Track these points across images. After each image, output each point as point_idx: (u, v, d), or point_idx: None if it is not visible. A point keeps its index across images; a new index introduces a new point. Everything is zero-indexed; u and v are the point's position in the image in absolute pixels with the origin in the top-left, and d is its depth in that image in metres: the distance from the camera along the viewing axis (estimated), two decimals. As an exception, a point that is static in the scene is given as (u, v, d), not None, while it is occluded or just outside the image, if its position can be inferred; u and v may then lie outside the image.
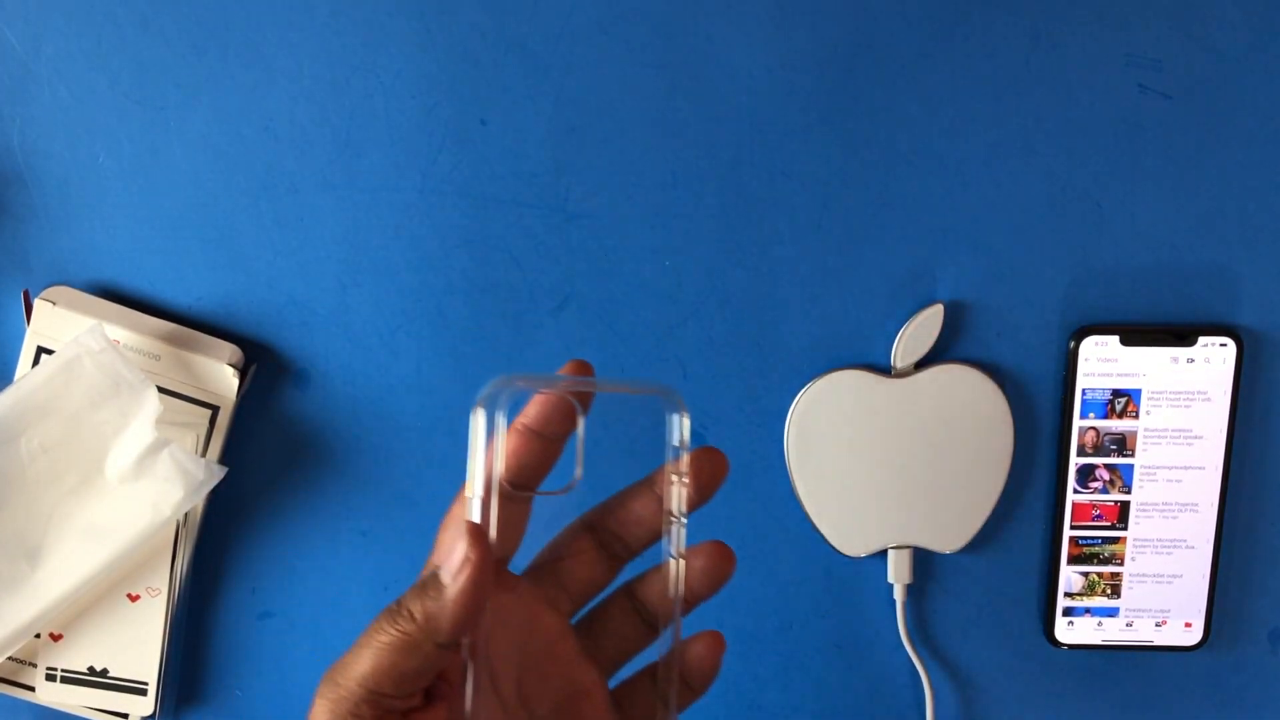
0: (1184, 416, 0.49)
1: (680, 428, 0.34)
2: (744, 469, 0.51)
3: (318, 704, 0.30)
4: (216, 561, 0.52)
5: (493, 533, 0.31)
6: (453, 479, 0.51)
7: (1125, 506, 0.50)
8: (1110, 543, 0.51)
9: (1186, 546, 0.51)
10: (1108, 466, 0.50)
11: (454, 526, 0.31)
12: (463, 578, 0.29)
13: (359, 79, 0.48)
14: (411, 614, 0.29)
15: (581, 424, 0.34)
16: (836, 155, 0.49)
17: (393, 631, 0.29)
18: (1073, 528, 0.50)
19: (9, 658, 0.49)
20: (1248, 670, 0.52)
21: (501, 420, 0.32)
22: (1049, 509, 0.51)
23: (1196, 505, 0.50)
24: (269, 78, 0.48)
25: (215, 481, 0.48)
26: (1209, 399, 0.49)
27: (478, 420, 0.32)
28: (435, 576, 0.29)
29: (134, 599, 0.49)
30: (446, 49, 0.48)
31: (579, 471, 0.38)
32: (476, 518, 0.31)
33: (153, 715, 0.50)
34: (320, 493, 0.52)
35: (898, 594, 0.51)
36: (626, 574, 0.35)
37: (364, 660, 0.29)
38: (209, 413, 0.49)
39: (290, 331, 0.50)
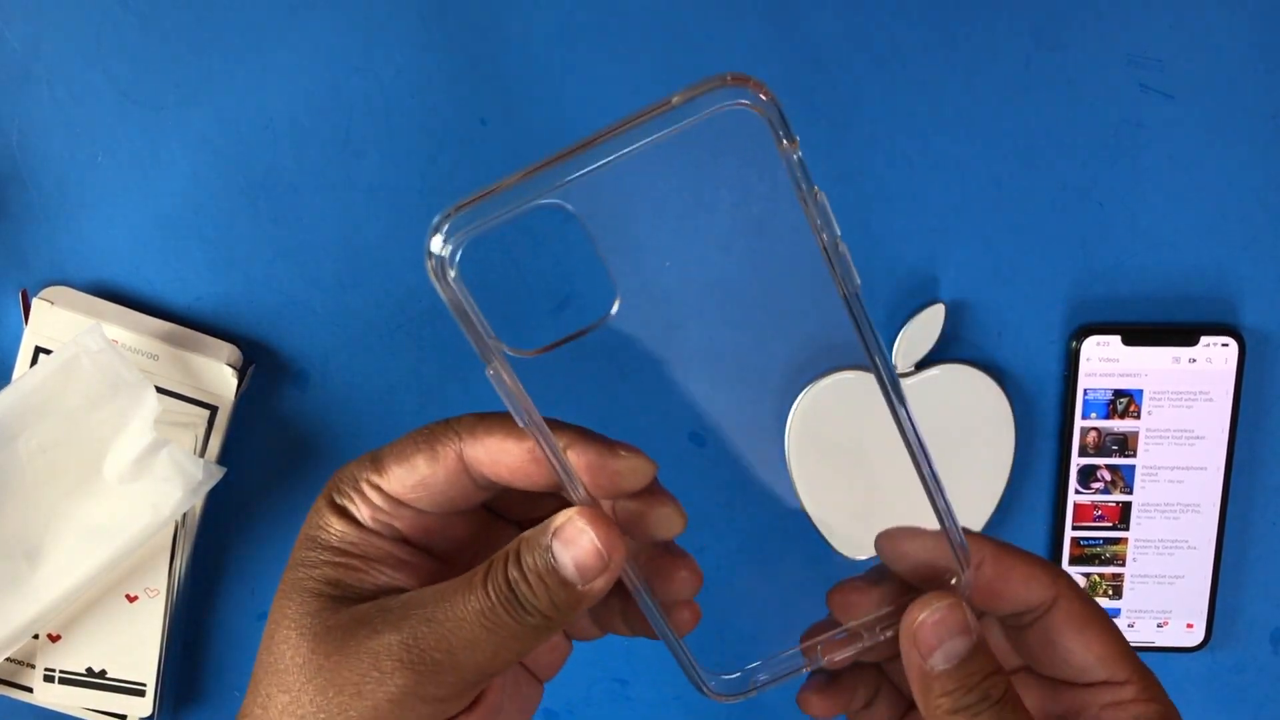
0: (1186, 417, 0.49)
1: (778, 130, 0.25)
2: (744, 470, 0.51)
3: (411, 690, 0.26)
4: (216, 561, 0.52)
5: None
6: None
7: (1127, 507, 0.50)
8: (1112, 543, 0.50)
9: (1188, 547, 0.50)
10: (1109, 467, 0.50)
11: (577, 519, 0.28)
12: (601, 581, 0.27)
13: (359, 79, 0.48)
14: (542, 611, 0.27)
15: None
16: (836, 155, 0.49)
17: (522, 628, 0.27)
18: (1074, 528, 0.50)
19: (7, 659, 0.49)
20: (1249, 671, 0.52)
21: None
22: (1050, 509, 0.51)
23: (1198, 506, 0.50)
24: (268, 77, 0.48)
25: (214, 482, 0.48)
26: (1211, 399, 0.49)
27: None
28: (554, 571, 0.27)
29: (133, 599, 0.49)
30: (446, 49, 0.48)
31: (616, 304, 0.31)
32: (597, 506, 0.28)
33: (151, 716, 0.50)
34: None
35: (899, 595, 0.51)
36: None
37: (484, 653, 0.27)
38: (208, 413, 0.49)
39: (289, 331, 0.50)
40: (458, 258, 0.27)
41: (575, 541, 0.27)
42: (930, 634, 0.28)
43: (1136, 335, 0.49)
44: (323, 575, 0.28)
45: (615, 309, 0.30)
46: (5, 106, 0.48)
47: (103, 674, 0.50)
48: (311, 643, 0.27)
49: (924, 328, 0.49)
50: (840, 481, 0.50)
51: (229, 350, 0.49)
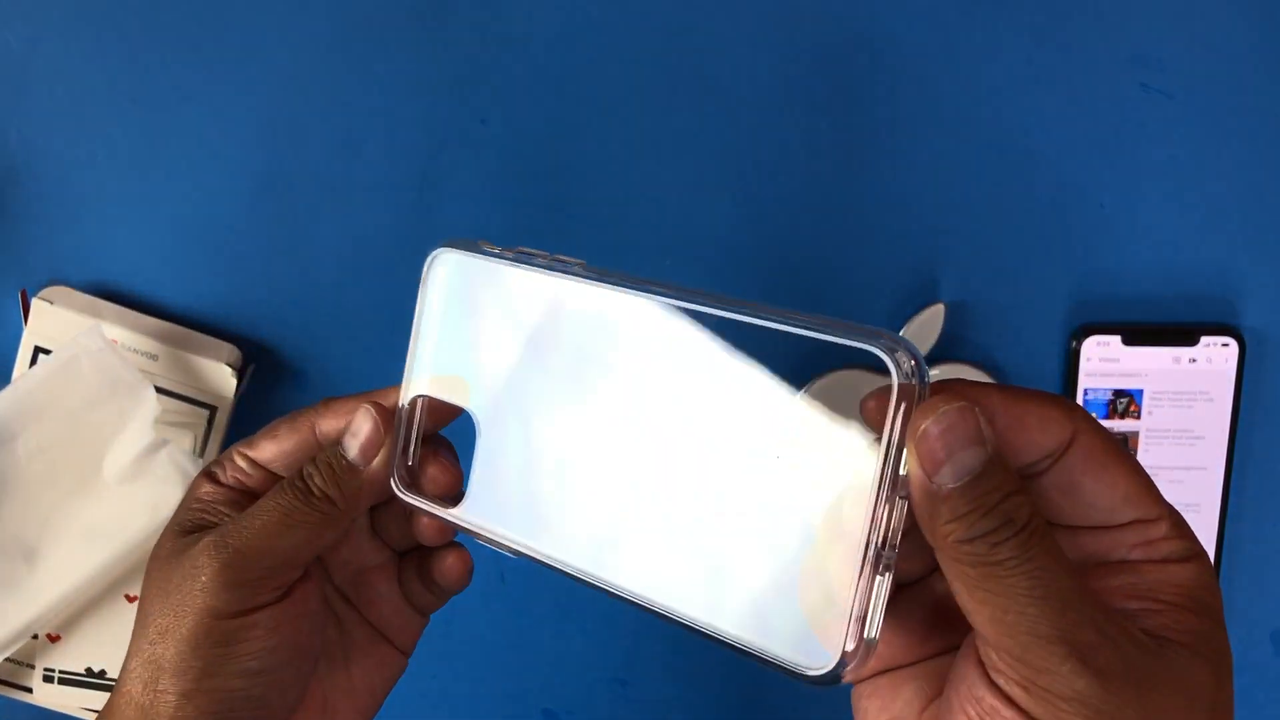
0: (1186, 417, 0.49)
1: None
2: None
3: (217, 577, 0.30)
4: (215, 562, 0.52)
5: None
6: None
7: (1127, 507, 0.50)
8: (1112, 543, 0.50)
9: (1189, 547, 0.50)
10: (1109, 467, 0.50)
11: (363, 408, 0.33)
12: (378, 459, 0.32)
13: (359, 79, 0.48)
14: (329, 496, 0.32)
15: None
16: (838, 155, 0.48)
17: (311, 512, 0.32)
18: (1074, 528, 0.50)
19: (7, 659, 0.49)
20: (1250, 672, 0.52)
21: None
22: (1051, 510, 0.51)
23: (1199, 506, 0.50)
24: (268, 77, 0.48)
25: (214, 482, 0.48)
26: (1211, 399, 0.49)
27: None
28: (342, 458, 0.32)
29: (132, 600, 0.49)
30: (446, 49, 0.48)
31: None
32: (400, 399, 0.33)
33: (151, 717, 0.50)
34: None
35: (899, 595, 0.51)
36: None
37: (280, 538, 0.31)
38: (207, 413, 0.49)
39: (289, 331, 0.50)
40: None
41: (360, 429, 0.32)
42: (936, 443, 0.23)
43: (1136, 335, 0.49)
44: (180, 519, 0.33)
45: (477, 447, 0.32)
46: (5, 106, 0.48)
47: (102, 674, 0.49)
48: (157, 567, 0.32)
49: (924, 328, 0.49)
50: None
51: (228, 350, 0.49)
